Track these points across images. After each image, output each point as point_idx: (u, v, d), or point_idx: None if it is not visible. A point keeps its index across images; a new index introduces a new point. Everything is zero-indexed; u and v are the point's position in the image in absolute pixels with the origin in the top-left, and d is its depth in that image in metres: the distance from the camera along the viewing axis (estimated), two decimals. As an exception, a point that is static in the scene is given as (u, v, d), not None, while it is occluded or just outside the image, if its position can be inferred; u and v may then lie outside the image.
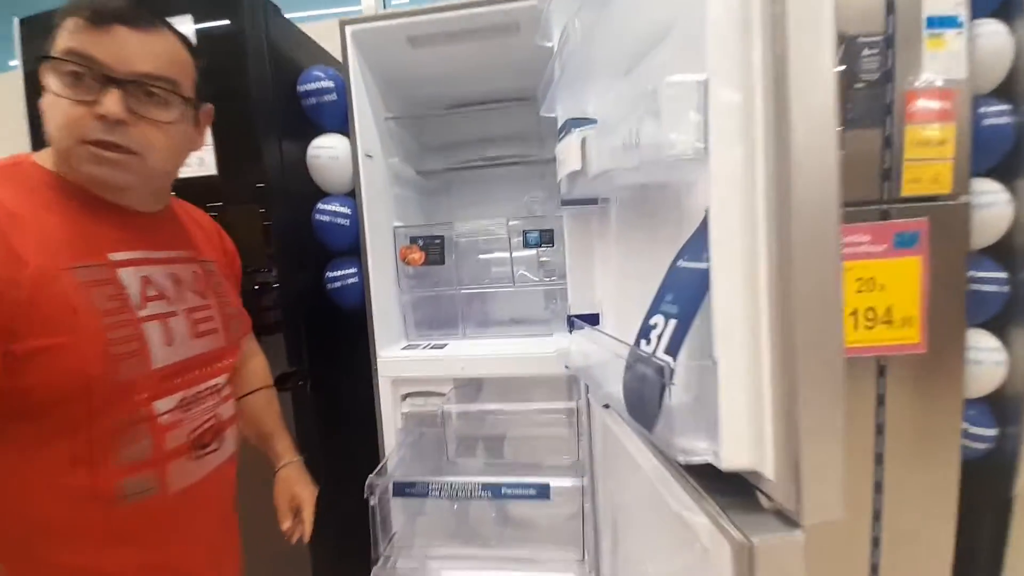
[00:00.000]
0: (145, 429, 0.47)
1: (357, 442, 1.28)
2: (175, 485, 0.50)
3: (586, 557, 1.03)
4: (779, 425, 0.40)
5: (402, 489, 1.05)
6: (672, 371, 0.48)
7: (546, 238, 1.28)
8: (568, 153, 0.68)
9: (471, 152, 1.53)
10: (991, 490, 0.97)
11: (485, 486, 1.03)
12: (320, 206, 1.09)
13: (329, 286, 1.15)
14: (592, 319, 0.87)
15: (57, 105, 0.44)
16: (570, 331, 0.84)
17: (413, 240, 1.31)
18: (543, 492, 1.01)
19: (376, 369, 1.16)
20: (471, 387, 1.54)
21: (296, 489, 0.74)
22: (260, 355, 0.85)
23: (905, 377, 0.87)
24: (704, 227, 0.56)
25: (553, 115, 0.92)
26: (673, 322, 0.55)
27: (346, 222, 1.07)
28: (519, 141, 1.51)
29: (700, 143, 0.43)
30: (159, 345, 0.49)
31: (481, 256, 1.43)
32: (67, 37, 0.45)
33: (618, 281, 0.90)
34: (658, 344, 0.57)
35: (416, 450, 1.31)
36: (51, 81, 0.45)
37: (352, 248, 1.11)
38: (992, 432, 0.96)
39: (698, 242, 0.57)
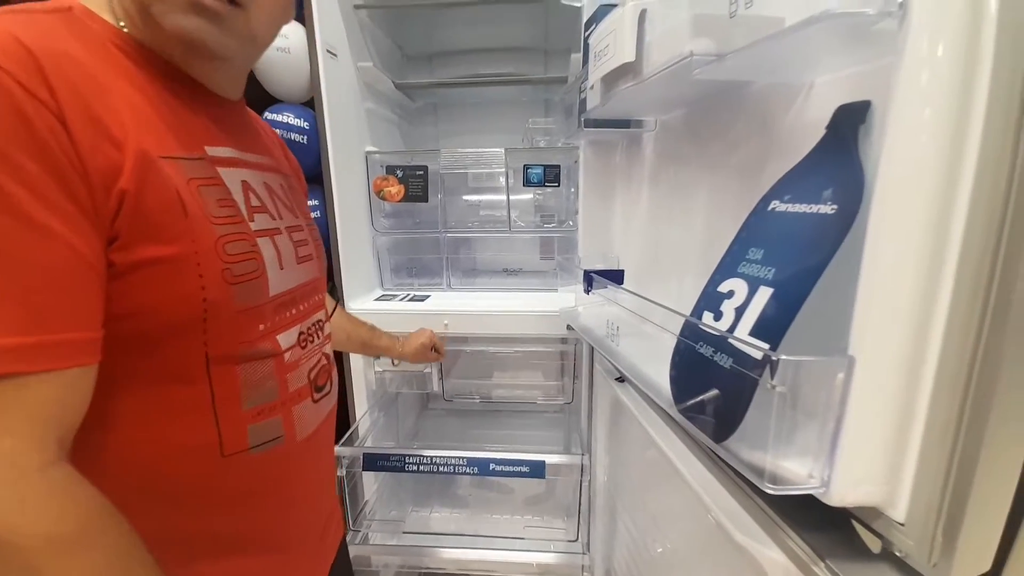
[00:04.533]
0: (271, 367, 0.41)
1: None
2: (300, 433, 0.44)
3: (580, 538, 0.93)
4: (940, 451, 0.29)
5: (374, 462, 0.91)
6: (777, 365, 0.32)
7: (551, 175, 1.07)
8: (616, 38, 0.47)
9: (461, 67, 1.26)
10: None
11: (471, 461, 0.89)
12: (268, 115, 0.83)
13: (284, 221, 0.92)
14: (615, 276, 0.69)
15: None
16: (587, 290, 0.67)
17: (390, 170, 1.08)
18: (537, 470, 0.88)
19: (344, 323, 0.98)
20: (455, 343, 1.38)
21: (422, 338, 0.89)
22: None
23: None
24: (826, 152, 0.37)
25: (576, 2, 0.69)
26: (767, 292, 0.38)
27: (303, 139, 0.83)
28: (520, 55, 1.25)
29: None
30: (274, 268, 0.41)
31: (470, 197, 1.21)
32: None
33: (647, 232, 0.72)
34: (736, 320, 0.40)
35: (390, 415, 1.17)
36: None
37: (312, 175, 0.88)
38: None
39: (812, 176, 0.39)
